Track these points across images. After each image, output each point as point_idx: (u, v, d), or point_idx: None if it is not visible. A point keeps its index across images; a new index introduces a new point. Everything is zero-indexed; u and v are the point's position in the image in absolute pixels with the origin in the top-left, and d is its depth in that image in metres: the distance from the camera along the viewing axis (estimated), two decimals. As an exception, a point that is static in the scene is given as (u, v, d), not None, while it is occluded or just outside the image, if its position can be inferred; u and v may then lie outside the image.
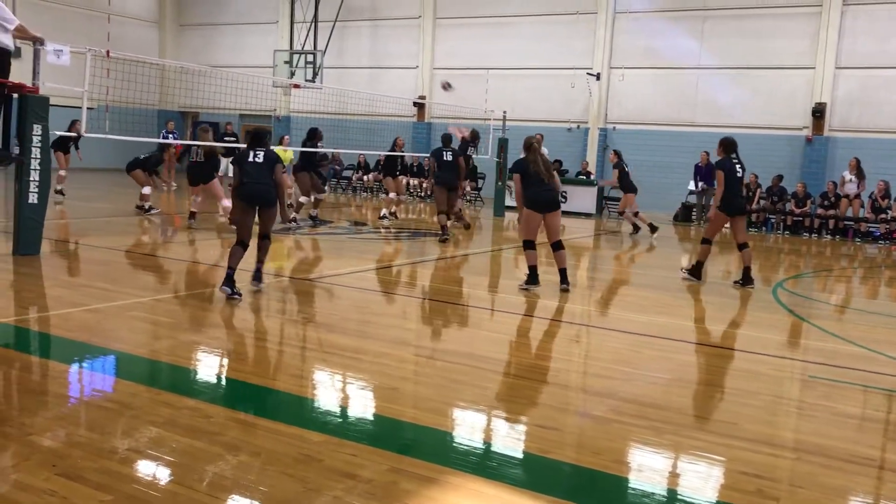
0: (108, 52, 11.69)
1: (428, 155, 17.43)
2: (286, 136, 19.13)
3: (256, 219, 7.94)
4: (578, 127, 23.56)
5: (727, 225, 10.71)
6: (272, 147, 8.70)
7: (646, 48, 22.58)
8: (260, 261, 8.08)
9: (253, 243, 7.93)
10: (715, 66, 21.76)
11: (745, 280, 10.04)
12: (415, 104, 25.28)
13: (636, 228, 16.45)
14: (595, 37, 23.12)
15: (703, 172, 19.58)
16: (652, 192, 21.81)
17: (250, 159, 7.96)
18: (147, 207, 14.99)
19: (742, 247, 10.12)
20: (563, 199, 12.18)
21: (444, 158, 13.46)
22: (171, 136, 21.66)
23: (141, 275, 9.02)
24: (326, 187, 24.66)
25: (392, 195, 17.06)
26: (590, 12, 23.12)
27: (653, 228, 15.84)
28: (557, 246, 9.04)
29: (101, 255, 9.92)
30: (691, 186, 20.36)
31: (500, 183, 19.10)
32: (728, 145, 10.15)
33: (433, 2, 25.67)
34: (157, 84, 24.97)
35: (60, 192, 16.85)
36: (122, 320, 6.62)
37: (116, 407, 4.50)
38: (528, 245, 9.00)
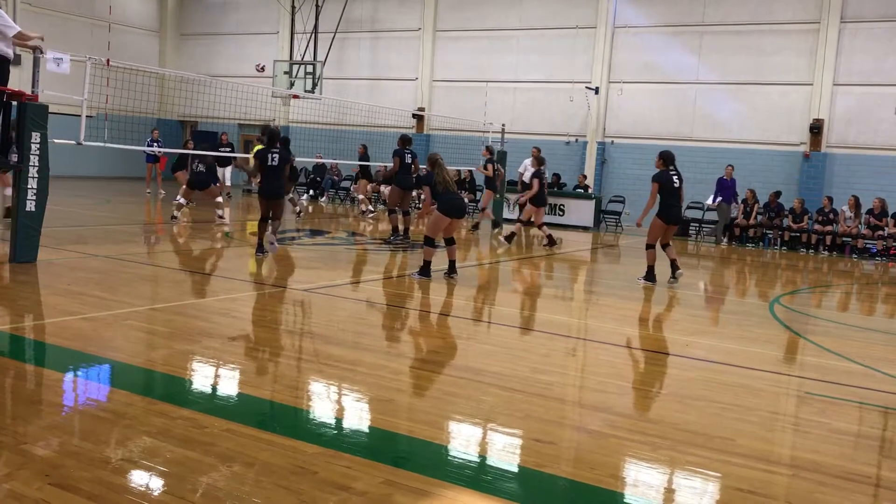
0: (108, 60, 11.73)
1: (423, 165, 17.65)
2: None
3: None
4: (577, 140, 23.62)
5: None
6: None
7: (644, 63, 22.67)
8: (273, 232, 11.40)
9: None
10: (713, 82, 21.85)
11: (674, 269, 11.22)
12: (414, 116, 25.34)
13: (510, 238, 16.03)
14: (594, 51, 23.21)
15: (727, 186, 19.33)
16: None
17: (269, 163, 11.04)
18: (185, 203, 15.47)
19: (665, 246, 11.28)
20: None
21: (405, 161, 14.45)
22: (155, 144, 21.67)
23: (138, 284, 9.01)
24: (325, 197, 24.82)
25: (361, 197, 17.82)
26: (589, 27, 23.22)
27: (552, 242, 15.47)
28: (452, 241, 10.47)
29: (99, 264, 9.91)
30: (709, 201, 19.97)
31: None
32: (667, 158, 11.17)
33: (433, 14, 25.77)
34: (156, 93, 25.03)
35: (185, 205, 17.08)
36: (118, 329, 6.60)
37: (111, 416, 4.49)
38: (430, 242, 10.25)
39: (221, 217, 15.35)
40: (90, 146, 12.03)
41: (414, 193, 18.69)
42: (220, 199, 15.50)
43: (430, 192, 10.26)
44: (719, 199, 19.47)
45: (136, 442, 4.08)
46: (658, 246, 11.24)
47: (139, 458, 3.88)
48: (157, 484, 3.63)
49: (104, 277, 9.13)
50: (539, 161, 15.54)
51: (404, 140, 14.69)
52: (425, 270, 10.26)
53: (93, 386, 5.20)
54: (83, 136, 11.34)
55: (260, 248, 11.29)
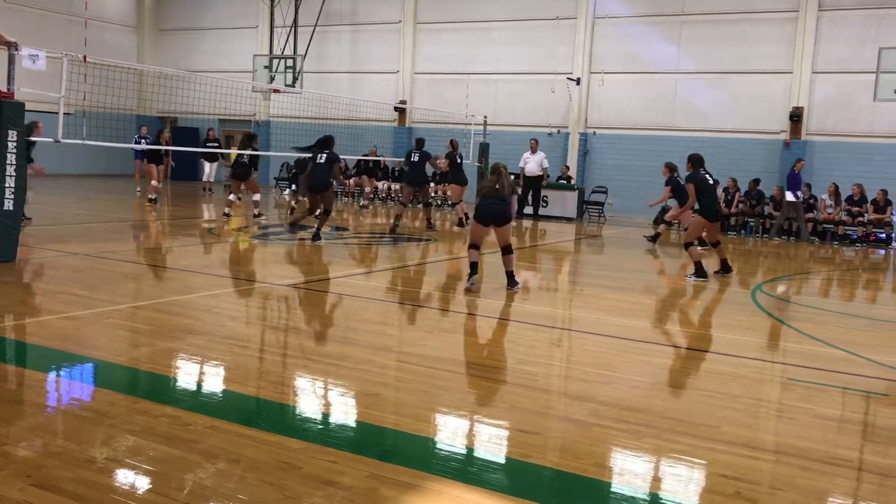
0: (84, 56, 11.61)
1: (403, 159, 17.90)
2: (210, 130, 19.47)
3: None
4: (559, 132, 23.64)
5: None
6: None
7: (625, 53, 22.70)
8: (321, 225, 12.97)
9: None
10: (693, 71, 21.91)
11: (724, 269, 11.40)
12: (396, 108, 25.27)
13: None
14: (575, 42, 23.22)
15: (800, 180, 18.14)
16: (632, 196, 21.96)
17: (317, 160, 12.75)
18: (256, 214, 15.55)
19: (716, 244, 11.66)
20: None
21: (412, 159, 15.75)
22: (143, 140, 21.52)
23: (119, 281, 8.94)
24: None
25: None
26: (569, 17, 23.22)
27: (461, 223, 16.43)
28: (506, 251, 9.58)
29: (79, 262, 9.82)
30: (790, 196, 18.29)
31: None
32: (695, 160, 11.29)
33: (414, 7, 25.68)
34: (135, 89, 24.82)
35: (153, 201, 17.50)
36: (100, 328, 6.55)
37: (93, 416, 4.45)
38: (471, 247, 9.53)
39: (259, 215, 15.71)
40: (68, 144, 11.92)
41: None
42: (257, 196, 15.94)
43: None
44: (798, 193, 18.10)
45: (119, 441, 4.04)
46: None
47: (123, 457, 3.85)
48: (141, 482, 3.60)
49: (85, 276, 9.05)
50: (453, 146, 17.06)
51: (453, 144, 16.92)
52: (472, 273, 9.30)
53: (75, 385, 5.16)
54: (61, 134, 11.23)
55: (316, 237, 12.67)
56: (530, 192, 20.51)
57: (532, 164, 20.12)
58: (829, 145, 20.38)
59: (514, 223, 15.95)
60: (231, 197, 15.97)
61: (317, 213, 13.16)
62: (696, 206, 11.33)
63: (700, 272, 11.00)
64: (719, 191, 19.80)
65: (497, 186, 9.35)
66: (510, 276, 9.41)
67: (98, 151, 18.21)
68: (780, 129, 20.91)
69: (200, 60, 28.85)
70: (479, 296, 9.18)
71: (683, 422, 4.84)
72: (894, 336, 8.10)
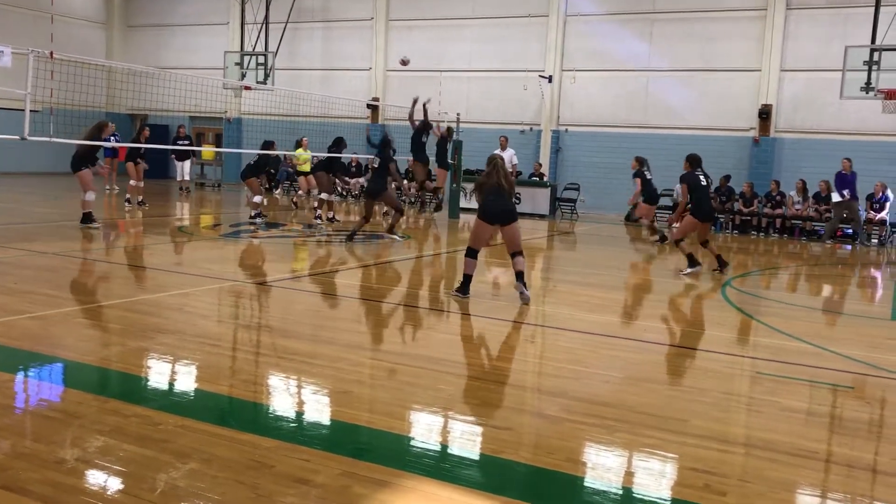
0: (51, 53, 11.45)
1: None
2: (305, 139, 19.07)
3: None
4: (531, 129, 23.71)
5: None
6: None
7: (596, 51, 22.82)
8: (393, 224, 13.54)
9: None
10: (664, 69, 22.08)
11: (692, 263, 11.36)
12: (368, 106, 25.19)
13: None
14: (546, 40, 23.30)
15: (848, 181, 17.55)
16: (603, 193, 22.11)
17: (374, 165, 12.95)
18: (255, 215, 15.05)
19: (705, 243, 11.73)
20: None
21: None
22: (112, 138, 21.24)
23: (88, 280, 8.84)
24: (279, 189, 24.59)
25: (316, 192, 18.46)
26: (541, 15, 23.29)
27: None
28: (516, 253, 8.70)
29: (47, 261, 9.69)
30: (836, 197, 17.84)
31: (454, 185, 19.12)
32: (693, 161, 11.46)
33: (385, 4, 25.61)
34: (103, 86, 24.49)
35: (141, 203, 17.15)
36: (69, 327, 6.47)
37: (62, 416, 4.40)
38: (470, 253, 8.72)
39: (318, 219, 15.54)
40: (35, 141, 11.75)
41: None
42: (256, 198, 15.47)
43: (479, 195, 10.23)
44: (845, 192, 17.48)
45: (89, 441, 4.00)
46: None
47: (93, 457, 3.81)
48: (111, 483, 3.57)
49: (53, 275, 8.94)
50: (449, 132, 17.67)
51: (449, 131, 17.92)
52: (463, 287, 8.65)
53: (43, 386, 5.09)
54: (27, 131, 11.06)
55: (350, 237, 12.88)
56: None
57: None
58: (797, 142, 20.65)
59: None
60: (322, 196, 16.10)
61: (370, 219, 13.05)
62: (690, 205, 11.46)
63: (693, 262, 11.25)
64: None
65: (501, 181, 8.58)
66: (520, 276, 8.48)
67: (66, 149, 17.87)
68: (749, 126, 21.14)
69: (170, 57, 28.56)
70: (451, 293, 9.19)
71: (654, 416, 4.89)
72: (860, 330, 8.24)
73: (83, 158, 13.15)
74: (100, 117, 24.37)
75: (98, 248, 11.59)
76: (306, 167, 18.96)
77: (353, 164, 23.73)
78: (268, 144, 16.07)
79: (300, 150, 18.73)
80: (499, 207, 8.52)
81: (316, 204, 16.22)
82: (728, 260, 12.16)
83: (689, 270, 11.24)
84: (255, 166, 15.50)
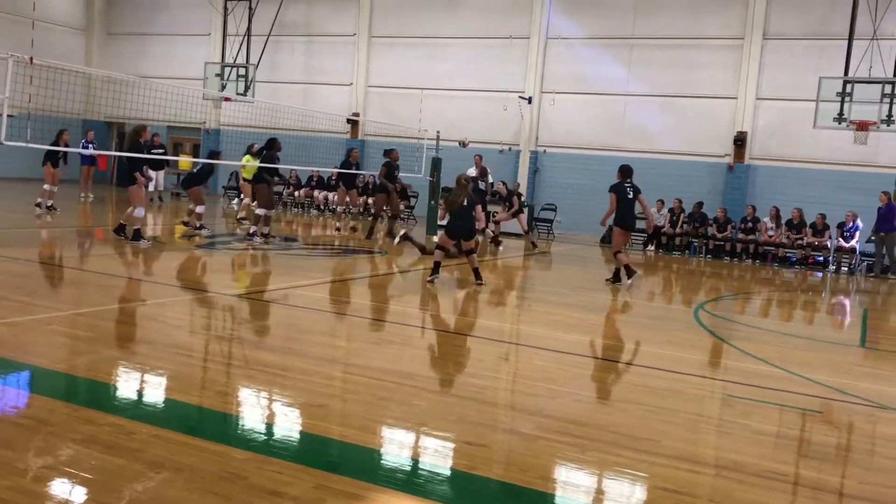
0: (31, 58, 11.37)
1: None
2: (255, 144, 18.95)
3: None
4: (510, 149, 23.86)
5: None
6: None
7: (576, 74, 23.06)
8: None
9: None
10: (642, 94, 22.35)
11: (615, 278, 12.17)
12: (348, 121, 25.23)
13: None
14: (527, 61, 23.51)
15: (884, 215, 17.01)
16: (580, 215, 22.26)
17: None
18: (199, 226, 14.53)
19: (616, 253, 12.18)
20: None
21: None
22: (90, 146, 21.10)
23: (61, 288, 8.75)
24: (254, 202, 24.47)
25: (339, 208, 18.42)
26: (522, 37, 23.51)
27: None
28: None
29: (20, 267, 9.58)
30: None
31: (432, 202, 19.17)
32: (624, 171, 12.21)
33: (368, 20, 25.73)
34: (82, 93, 24.35)
35: (51, 208, 16.46)
36: (41, 334, 6.40)
37: (32, 423, 4.36)
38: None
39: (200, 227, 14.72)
40: (12, 146, 11.63)
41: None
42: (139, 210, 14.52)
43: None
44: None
45: (59, 449, 3.96)
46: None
47: (63, 465, 3.77)
48: (80, 492, 3.54)
49: (26, 281, 8.85)
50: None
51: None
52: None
53: (12, 393, 5.03)
54: (4, 136, 10.95)
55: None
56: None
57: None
58: (771, 170, 20.95)
59: (489, 230, 16.49)
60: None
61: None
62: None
63: (630, 272, 11.85)
64: (664, 210, 20.26)
65: (465, 203, 10.54)
66: (476, 272, 10.77)
67: (41, 155, 17.74)
68: (724, 153, 21.42)
69: (150, 66, 28.41)
70: (429, 309, 9.22)
71: (626, 436, 4.93)
72: (829, 355, 8.36)
73: (132, 167, 12.76)
74: (77, 124, 24.23)
75: (71, 255, 11.48)
76: (250, 174, 18.74)
77: (334, 178, 23.69)
78: (214, 154, 16.01)
79: (247, 158, 18.62)
80: (460, 228, 10.66)
81: (242, 215, 16.15)
82: (699, 284, 12.28)
83: (629, 281, 11.86)
84: (196, 176, 15.20)
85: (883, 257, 17.25)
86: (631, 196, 11.97)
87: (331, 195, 23.44)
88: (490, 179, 19.94)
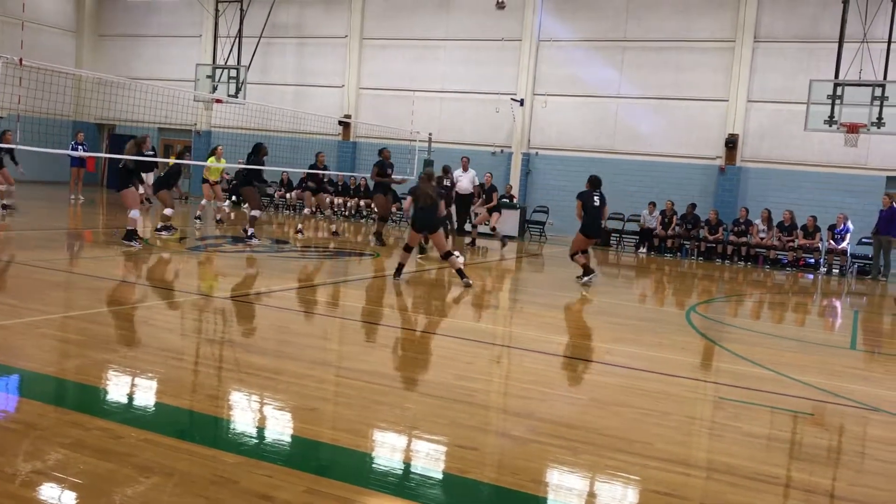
0: (20, 59, 11.32)
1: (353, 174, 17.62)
2: (220, 147, 18.97)
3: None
4: (502, 151, 23.87)
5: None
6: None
7: (568, 76, 23.09)
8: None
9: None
10: (634, 96, 22.39)
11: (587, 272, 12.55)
12: (340, 123, 25.20)
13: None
14: (519, 64, 23.53)
15: (887, 218, 17.14)
16: (572, 217, 22.18)
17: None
18: (168, 226, 14.33)
19: (573, 255, 12.75)
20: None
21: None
22: (80, 147, 21.01)
23: (50, 291, 8.69)
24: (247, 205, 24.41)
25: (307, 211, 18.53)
26: (514, 39, 23.53)
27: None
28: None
29: (9, 270, 9.52)
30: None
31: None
32: (592, 181, 12.77)
33: (360, 22, 25.71)
34: (72, 95, 24.25)
35: (7, 207, 16.25)
36: (30, 338, 6.36)
37: (21, 428, 4.32)
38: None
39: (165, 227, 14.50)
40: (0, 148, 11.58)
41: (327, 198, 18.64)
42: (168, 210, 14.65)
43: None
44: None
45: (48, 454, 3.93)
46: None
47: (51, 470, 3.74)
48: (69, 497, 3.51)
49: (14, 284, 8.79)
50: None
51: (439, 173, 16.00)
52: (463, 274, 10.97)
53: (2, 397, 4.99)
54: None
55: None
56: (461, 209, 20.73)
57: (464, 181, 20.17)
58: (762, 172, 21.02)
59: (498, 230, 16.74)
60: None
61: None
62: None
63: (588, 271, 12.46)
64: (656, 212, 20.30)
65: (432, 194, 10.87)
66: (459, 272, 10.96)
67: (32, 157, 17.67)
68: (715, 155, 21.48)
69: (141, 67, 28.33)
70: (420, 311, 9.20)
71: (618, 438, 4.92)
72: (820, 357, 8.38)
73: (129, 175, 12.74)
74: (67, 126, 24.13)
75: (61, 258, 11.42)
76: (215, 176, 18.77)
77: (340, 183, 23.70)
78: (180, 155, 16.02)
79: (212, 159, 18.69)
80: (425, 221, 10.95)
81: (198, 213, 16.56)
82: (691, 287, 12.29)
83: (585, 279, 12.33)
84: (164, 179, 15.09)
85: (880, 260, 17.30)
86: (597, 204, 12.52)
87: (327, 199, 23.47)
88: (477, 181, 19.90)
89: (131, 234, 12.30)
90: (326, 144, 24.74)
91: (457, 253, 11.53)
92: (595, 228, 12.72)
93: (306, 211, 18.60)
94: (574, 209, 12.73)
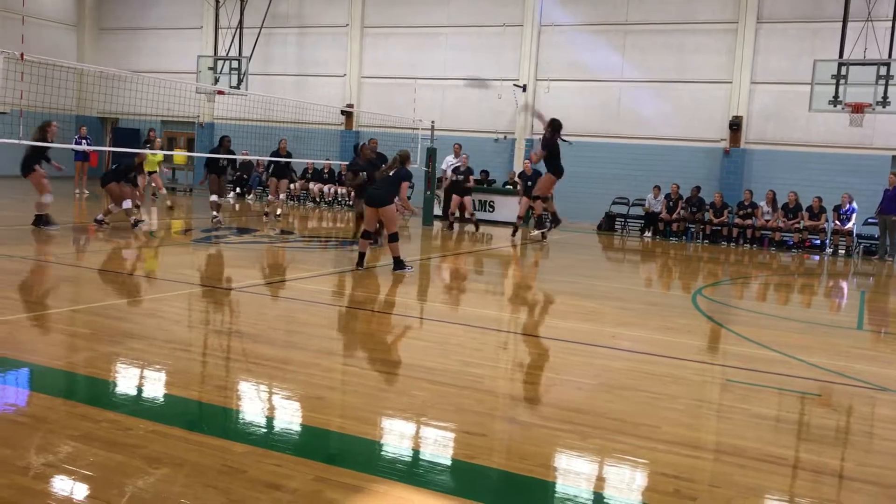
0: (21, 54, 11.31)
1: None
2: (152, 130, 19.32)
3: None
4: (505, 137, 23.80)
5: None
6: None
7: (570, 61, 22.98)
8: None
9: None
10: (637, 80, 22.28)
11: (539, 224, 13.30)
12: (342, 112, 25.16)
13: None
14: (521, 49, 23.43)
15: (891, 197, 16.95)
16: (576, 202, 22.23)
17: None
18: (134, 222, 14.04)
19: (535, 198, 13.55)
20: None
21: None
22: (84, 141, 21.03)
23: (57, 285, 8.72)
24: (252, 194, 24.46)
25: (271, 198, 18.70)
26: (516, 25, 23.42)
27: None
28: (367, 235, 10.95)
29: (14, 265, 9.55)
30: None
31: (428, 192, 19.15)
32: (555, 125, 14.02)
33: (361, 10, 25.62)
34: (74, 89, 24.24)
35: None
36: (37, 332, 6.39)
37: (30, 421, 4.34)
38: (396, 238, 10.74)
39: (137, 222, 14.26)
40: (4, 144, 11.60)
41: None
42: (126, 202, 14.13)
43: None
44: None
45: (58, 447, 3.95)
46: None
47: (62, 462, 3.76)
48: (80, 489, 3.53)
49: (21, 279, 8.82)
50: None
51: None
52: (400, 263, 10.66)
53: (10, 391, 5.02)
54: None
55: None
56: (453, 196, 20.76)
57: (455, 167, 20.19)
58: (766, 154, 20.93)
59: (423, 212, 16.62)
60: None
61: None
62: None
63: (540, 224, 12.51)
64: (661, 196, 20.25)
65: (390, 175, 10.65)
66: (396, 260, 10.62)
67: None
68: (720, 138, 21.39)
69: (142, 60, 28.30)
70: (424, 299, 9.21)
71: (625, 422, 4.93)
72: (827, 339, 8.36)
73: (29, 160, 12.89)
74: (70, 120, 24.15)
75: (67, 252, 11.45)
76: (151, 167, 19.32)
77: (326, 171, 23.69)
78: (141, 146, 16.13)
79: (153, 156, 18.98)
80: (375, 196, 10.56)
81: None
82: (697, 269, 12.23)
83: (536, 232, 12.53)
84: (114, 172, 14.78)
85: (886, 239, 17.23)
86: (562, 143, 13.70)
87: (325, 187, 23.50)
88: (446, 165, 19.90)
89: (41, 219, 12.67)
90: (329, 134, 24.77)
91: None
92: (562, 168, 13.88)
93: (270, 197, 18.88)
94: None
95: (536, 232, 11.98)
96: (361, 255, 10.79)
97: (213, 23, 26.48)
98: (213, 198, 15.77)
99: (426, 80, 24.57)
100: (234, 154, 16.61)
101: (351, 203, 23.18)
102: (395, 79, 25.15)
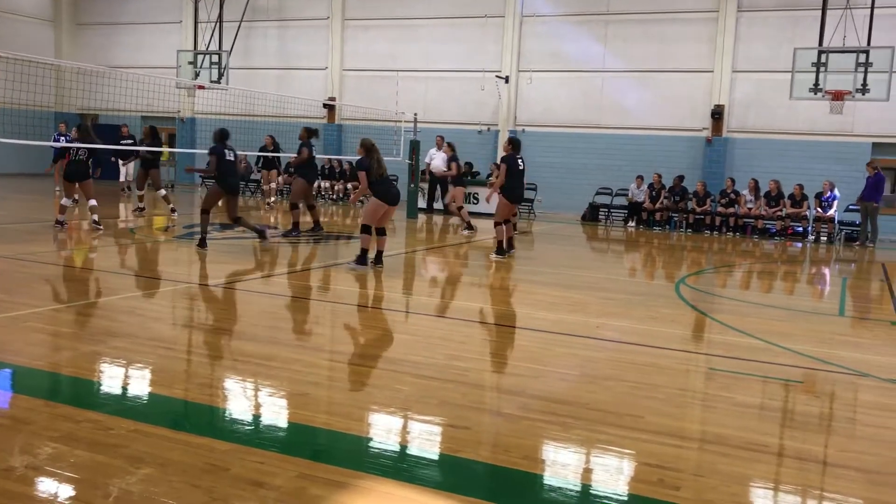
0: (-2, 51, 11.18)
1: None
2: (125, 127, 19.33)
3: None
4: (489, 129, 23.79)
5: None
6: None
7: (552, 52, 22.98)
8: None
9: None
10: (619, 70, 22.32)
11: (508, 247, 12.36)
12: (325, 105, 25.05)
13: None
14: (503, 40, 23.40)
15: (871, 184, 17.34)
16: (560, 193, 22.29)
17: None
18: (95, 221, 13.49)
19: (507, 222, 12.34)
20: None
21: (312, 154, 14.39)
22: (63, 138, 20.82)
23: (37, 284, 8.64)
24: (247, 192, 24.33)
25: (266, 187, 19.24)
26: (497, 16, 23.39)
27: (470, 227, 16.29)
28: (383, 232, 10.51)
29: (-6, 264, 9.46)
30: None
31: (412, 185, 19.10)
32: (514, 143, 12.21)
33: (341, 3, 25.49)
34: (52, 85, 23.99)
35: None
36: (17, 332, 6.32)
37: (11, 423, 4.30)
38: (366, 230, 10.24)
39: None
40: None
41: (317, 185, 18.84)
42: (92, 201, 13.66)
43: (366, 179, 10.07)
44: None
45: (40, 448, 3.92)
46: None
47: (44, 464, 3.73)
48: (64, 490, 3.50)
49: (0, 278, 8.72)
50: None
51: (310, 132, 14.30)
52: (362, 259, 10.19)
53: (-9, 392, 4.97)
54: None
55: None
56: (437, 188, 20.76)
57: (438, 160, 20.13)
58: (748, 142, 21.04)
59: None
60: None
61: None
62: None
63: (500, 251, 12.06)
64: (643, 186, 20.32)
65: (382, 168, 10.12)
66: (380, 254, 10.40)
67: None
68: (702, 127, 21.47)
69: (121, 56, 28.06)
70: (409, 293, 9.19)
71: (610, 413, 4.94)
72: (809, 326, 8.42)
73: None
74: (49, 117, 23.90)
75: (47, 250, 11.34)
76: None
77: (325, 167, 23.60)
78: (84, 130, 15.25)
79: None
80: (392, 193, 10.19)
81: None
82: (680, 258, 12.28)
83: (495, 257, 12.02)
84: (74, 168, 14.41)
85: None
86: (522, 168, 12.18)
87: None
88: (429, 158, 19.91)
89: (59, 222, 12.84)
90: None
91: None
92: (520, 193, 12.46)
93: (265, 187, 19.12)
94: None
95: (498, 256, 11.89)
96: (365, 252, 10.23)
97: (193, 17, 26.28)
98: (161, 192, 16.10)
99: (408, 73, 24.51)
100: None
101: (335, 197, 23.18)
102: (377, 71, 25.08)
